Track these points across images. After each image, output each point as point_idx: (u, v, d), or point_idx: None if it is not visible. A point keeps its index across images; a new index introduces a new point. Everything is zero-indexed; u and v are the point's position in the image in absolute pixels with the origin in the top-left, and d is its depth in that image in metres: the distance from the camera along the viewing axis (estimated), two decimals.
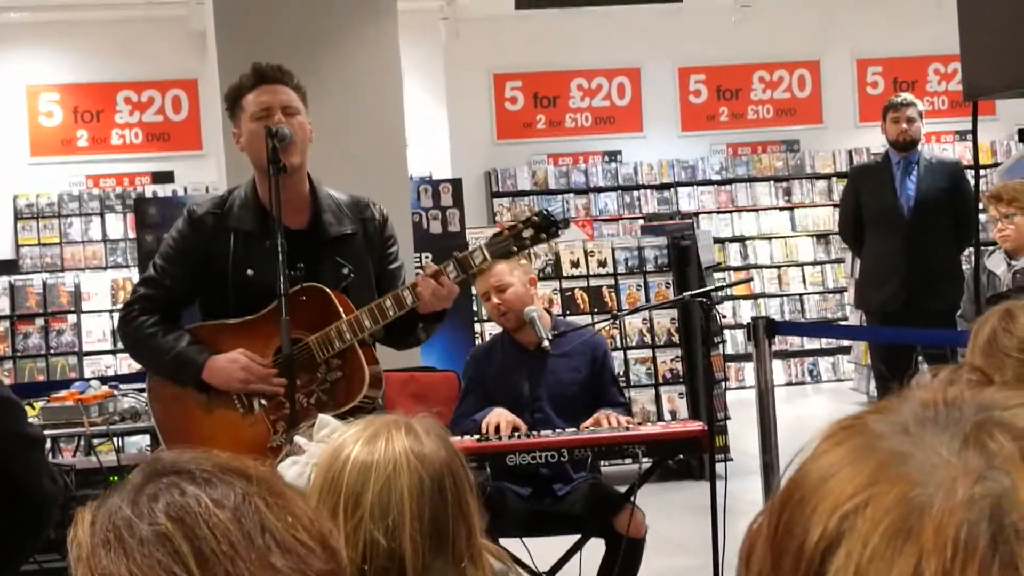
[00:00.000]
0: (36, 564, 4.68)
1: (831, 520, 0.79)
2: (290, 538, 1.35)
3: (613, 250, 9.44)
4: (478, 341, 8.31)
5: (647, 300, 9.18)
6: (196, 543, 1.31)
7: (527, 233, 3.88)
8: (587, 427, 4.83)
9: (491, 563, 1.43)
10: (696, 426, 4.85)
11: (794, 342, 14.44)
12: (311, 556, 1.35)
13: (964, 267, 7.80)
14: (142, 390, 5.14)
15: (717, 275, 10.53)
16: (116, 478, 4.81)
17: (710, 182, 15.13)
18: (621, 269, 9.37)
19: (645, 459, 4.75)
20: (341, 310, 3.93)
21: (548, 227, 3.89)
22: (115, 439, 5.02)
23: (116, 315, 10.71)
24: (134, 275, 10.81)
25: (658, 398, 9.15)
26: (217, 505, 1.34)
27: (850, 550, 0.77)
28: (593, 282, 9.36)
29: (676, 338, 9.20)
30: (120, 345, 10.40)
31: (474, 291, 9.13)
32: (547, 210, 3.96)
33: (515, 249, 3.91)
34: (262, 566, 1.32)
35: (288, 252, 3.83)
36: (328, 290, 3.95)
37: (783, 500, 0.84)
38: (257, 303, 3.95)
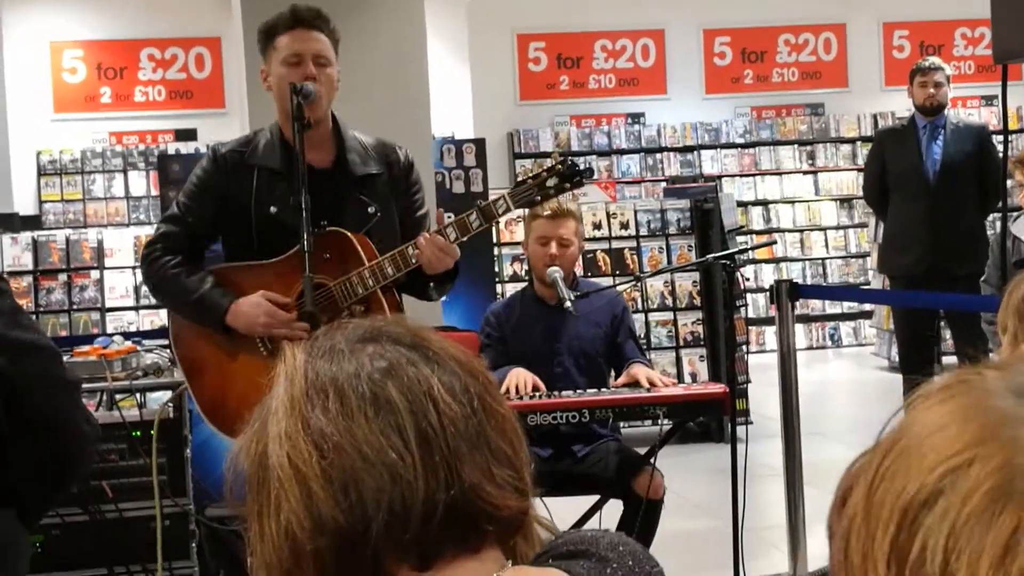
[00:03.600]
0: (59, 518, 4.71)
1: (932, 474, 0.77)
2: (500, 448, 1.30)
3: (635, 212, 9.41)
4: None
5: (669, 262, 9.17)
6: (420, 421, 1.25)
7: (551, 182, 3.82)
8: (620, 384, 4.84)
9: (540, 535, 1.41)
10: (718, 388, 4.85)
11: (816, 306, 14.41)
12: (517, 471, 1.31)
13: (989, 232, 7.76)
14: (165, 346, 5.15)
15: (740, 238, 10.51)
16: (139, 433, 4.83)
17: (734, 145, 15.07)
18: (643, 231, 9.36)
19: (666, 421, 4.75)
20: (363, 256, 3.91)
21: (572, 176, 3.82)
22: (137, 394, 5.03)
23: (139, 272, 10.77)
24: None
25: (679, 361, 9.15)
26: (449, 393, 1.28)
27: (948, 507, 0.76)
28: (615, 244, 9.35)
29: (698, 301, 9.19)
30: (143, 301, 10.45)
31: (496, 252, 9.14)
32: (571, 159, 3.90)
33: (539, 199, 3.86)
34: (483, 470, 1.26)
35: (313, 192, 3.82)
36: (350, 235, 3.93)
37: (887, 448, 0.82)
38: (281, 240, 3.93)
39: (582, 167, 3.86)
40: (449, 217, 3.99)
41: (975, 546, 0.74)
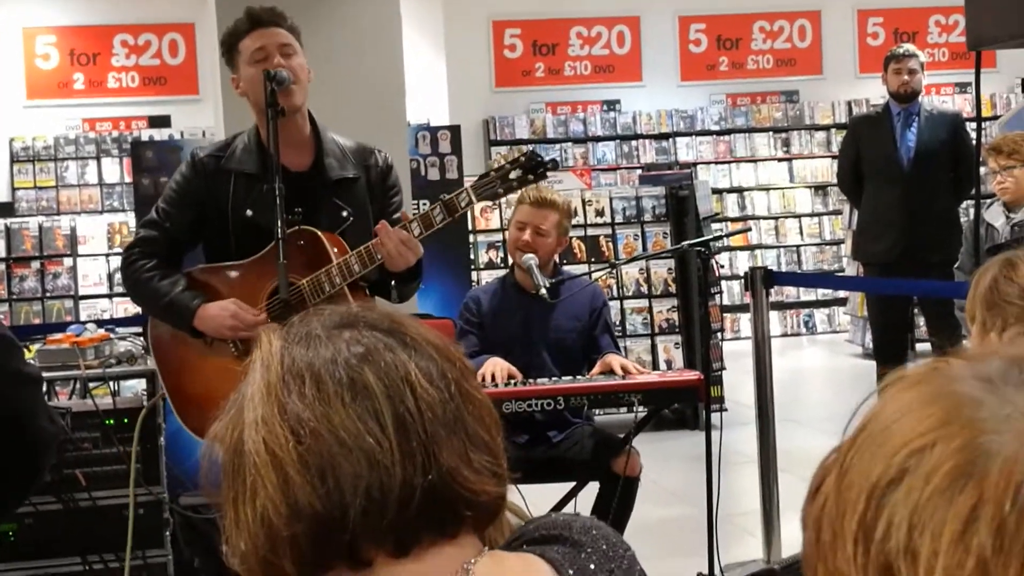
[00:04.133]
0: (32, 506, 4.69)
1: (897, 456, 0.79)
2: (477, 433, 1.29)
3: (611, 199, 9.42)
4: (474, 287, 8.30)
5: (644, 250, 9.18)
6: (397, 407, 1.24)
7: (514, 175, 3.82)
8: (595, 374, 4.83)
9: (510, 521, 1.41)
10: (692, 375, 4.86)
11: (790, 293, 14.45)
12: (493, 456, 1.30)
13: (962, 219, 7.79)
14: (139, 334, 5.13)
15: (715, 225, 10.52)
16: (112, 421, 4.81)
17: (709, 132, 15.08)
18: (619, 219, 9.36)
19: (641, 408, 4.76)
20: (332, 253, 3.91)
21: (536, 168, 3.81)
22: (111, 382, 5.01)
23: (112, 259, 10.73)
24: (130, 219, 10.78)
25: (654, 348, 9.16)
26: (427, 379, 1.27)
27: (911, 486, 0.78)
28: (591, 231, 9.35)
29: (673, 288, 9.21)
30: (116, 289, 10.42)
31: (471, 239, 9.13)
32: (535, 150, 3.90)
33: (502, 191, 3.86)
34: (460, 456, 1.26)
35: (289, 194, 3.82)
36: (320, 233, 3.93)
37: (855, 435, 0.85)
38: (258, 243, 3.95)
39: (546, 159, 3.85)
40: (425, 204, 3.98)
41: (937, 522, 0.76)
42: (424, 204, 8.12)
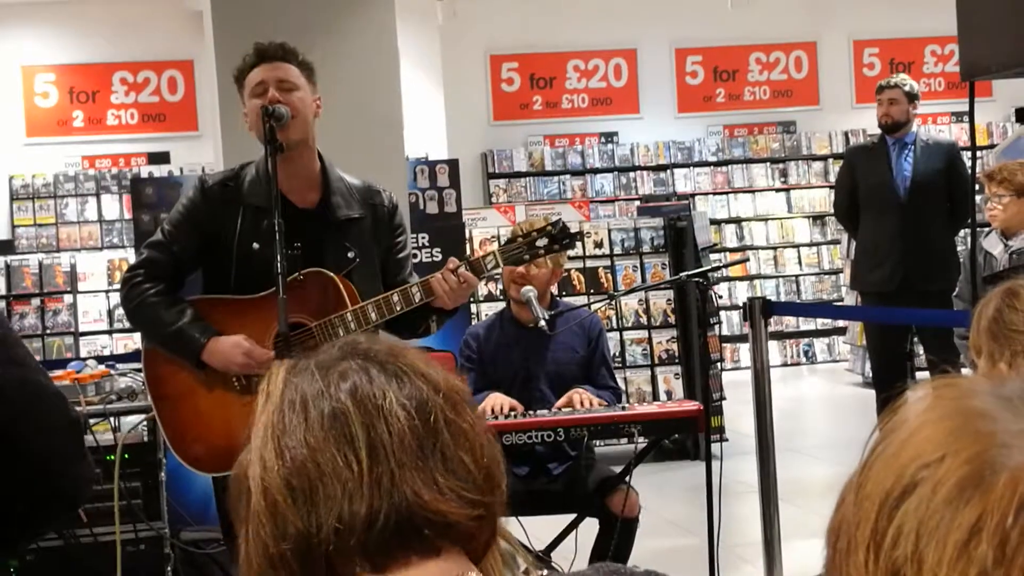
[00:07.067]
0: (34, 543, 4.69)
1: (910, 467, 0.81)
2: (457, 459, 1.36)
3: (609, 231, 9.44)
4: (474, 321, 8.32)
5: (643, 281, 9.19)
6: (371, 433, 1.33)
7: (541, 243, 3.93)
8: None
9: (501, 544, 1.46)
10: (692, 406, 4.87)
11: (790, 323, 14.46)
12: (471, 482, 1.36)
13: (960, 247, 7.81)
14: (139, 370, 5.14)
15: (713, 256, 10.54)
16: (113, 457, 4.82)
17: (706, 163, 15.12)
18: (617, 250, 9.38)
19: (641, 439, 4.77)
20: (347, 299, 3.92)
21: (562, 239, 3.93)
22: (112, 418, 5.02)
23: (112, 295, 10.74)
24: (130, 255, 10.80)
25: (654, 379, 9.16)
26: (400, 405, 1.36)
27: (922, 496, 0.80)
28: (589, 263, 9.37)
29: (672, 319, 9.21)
30: (116, 325, 10.42)
31: None
32: (562, 221, 4.00)
33: (527, 258, 3.96)
34: (425, 480, 1.33)
35: (295, 231, 3.84)
36: (336, 277, 3.94)
37: (872, 451, 0.87)
38: (260, 277, 3.92)
39: (572, 231, 3.96)
40: (424, 238, 4.02)
41: (943, 532, 0.77)
42: (423, 237, 8.14)
